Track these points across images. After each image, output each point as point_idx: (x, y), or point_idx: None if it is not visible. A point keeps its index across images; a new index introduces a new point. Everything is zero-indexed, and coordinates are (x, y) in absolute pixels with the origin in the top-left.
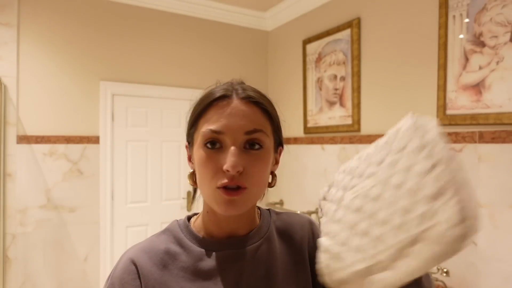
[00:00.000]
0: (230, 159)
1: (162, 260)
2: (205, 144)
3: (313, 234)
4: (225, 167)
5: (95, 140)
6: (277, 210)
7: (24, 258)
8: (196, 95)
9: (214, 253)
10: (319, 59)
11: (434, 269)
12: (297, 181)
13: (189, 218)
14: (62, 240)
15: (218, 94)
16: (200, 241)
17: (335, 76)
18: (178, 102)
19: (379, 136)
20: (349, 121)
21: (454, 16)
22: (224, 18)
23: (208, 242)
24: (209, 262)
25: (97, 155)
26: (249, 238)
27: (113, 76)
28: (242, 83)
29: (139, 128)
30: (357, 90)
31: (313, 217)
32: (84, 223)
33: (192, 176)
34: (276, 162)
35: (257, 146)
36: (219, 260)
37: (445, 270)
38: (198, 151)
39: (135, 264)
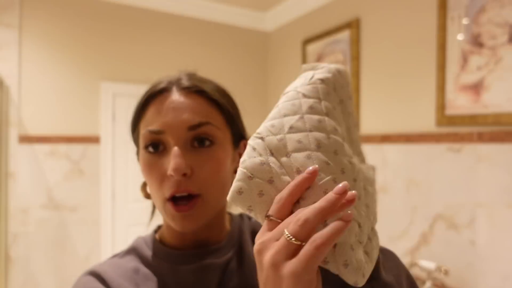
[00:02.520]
0: (172, 161)
1: (133, 279)
2: (147, 148)
3: None
4: (168, 171)
5: (96, 140)
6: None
7: (25, 258)
8: None
9: (183, 267)
10: (319, 60)
11: (433, 268)
12: None
13: (155, 231)
14: (64, 239)
15: (157, 89)
16: (168, 256)
17: None
18: None
19: (379, 136)
20: None
21: (452, 17)
22: (224, 19)
23: (175, 256)
24: (179, 278)
25: (98, 155)
26: (220, 247)
27: (114, 77)
28: (192, 74)
29: None
30: (356, 90)
31: None
32: (85, 223)
33: (144, 187)
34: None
35: (207, 142)
36: (190, 274)
37: (444, 269)
38: (141, 158)
39: (99, 275)
